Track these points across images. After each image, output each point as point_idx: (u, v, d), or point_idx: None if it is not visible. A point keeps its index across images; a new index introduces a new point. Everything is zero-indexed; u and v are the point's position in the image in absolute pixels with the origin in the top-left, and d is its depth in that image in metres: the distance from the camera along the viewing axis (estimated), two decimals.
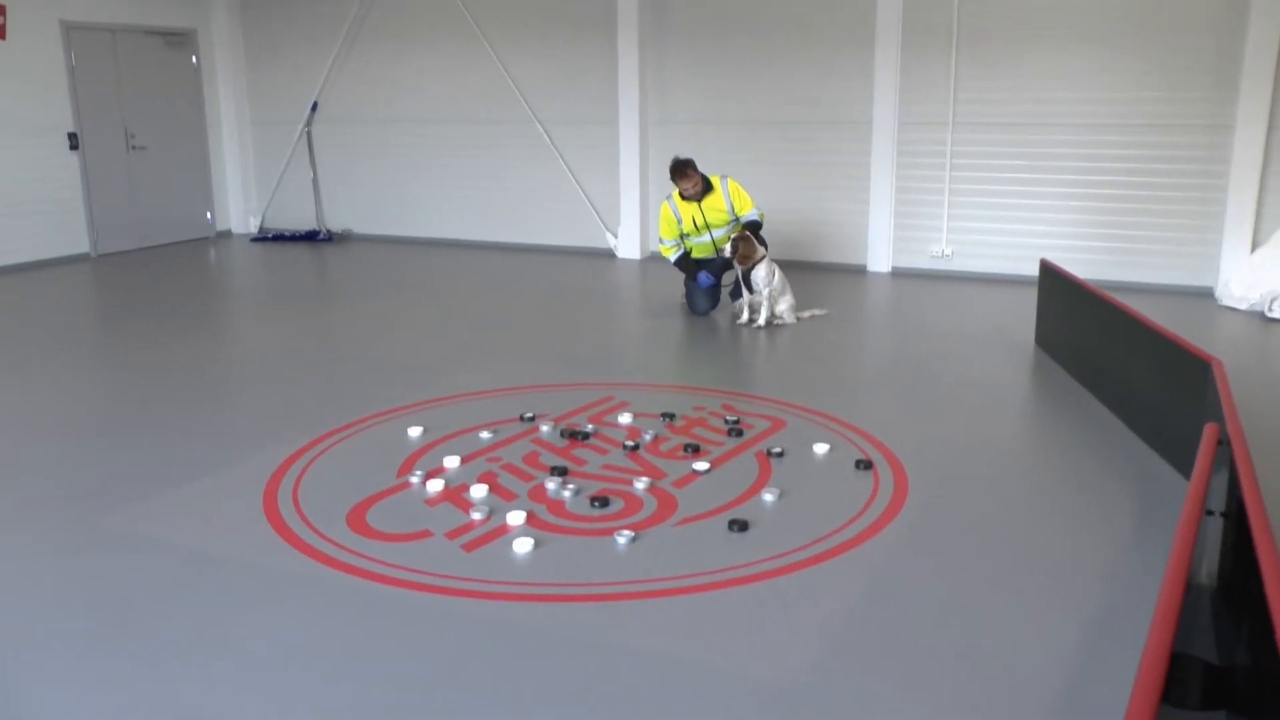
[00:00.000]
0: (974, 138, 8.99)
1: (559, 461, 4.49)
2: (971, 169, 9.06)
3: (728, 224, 7.45)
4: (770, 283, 7.14)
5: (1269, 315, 7.40)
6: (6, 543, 3.77)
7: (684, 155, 7.48)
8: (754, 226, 7.39)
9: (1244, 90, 7.87)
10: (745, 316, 7.22)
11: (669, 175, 7.42)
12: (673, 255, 7.62)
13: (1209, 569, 3.31)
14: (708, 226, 7.47)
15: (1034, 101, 8.71)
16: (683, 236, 7.55)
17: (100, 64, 10.54)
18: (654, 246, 10.42)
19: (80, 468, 4.55)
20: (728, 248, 7.04)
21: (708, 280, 7.48)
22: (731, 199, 7.42)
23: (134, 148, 10.97)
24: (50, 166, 10.10)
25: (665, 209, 7.54)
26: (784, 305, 7.26)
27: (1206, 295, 8.21)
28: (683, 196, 7.41)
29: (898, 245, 9.47)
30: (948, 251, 9.28)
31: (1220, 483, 3.25)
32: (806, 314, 7.45)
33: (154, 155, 11.23)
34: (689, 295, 7.68)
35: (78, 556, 3.65)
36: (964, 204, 9.16)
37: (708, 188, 7.39)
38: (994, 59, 8.77)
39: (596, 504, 4.01)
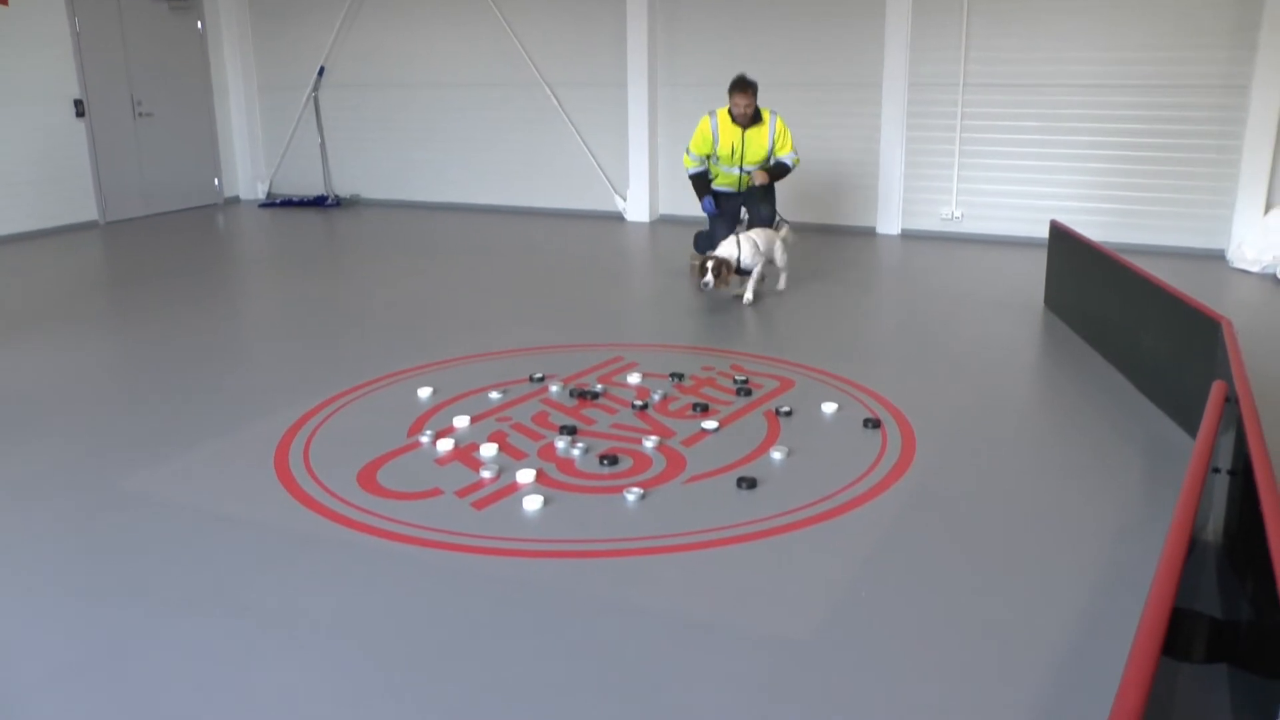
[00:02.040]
0: (985, 98, 8.92)
1: (568, 421, 4.51)
2: (982, 130, 9.00)
3: (762, 161, 7.32)
4: (756, 258, 6.81)
5: None
6: (26, 505, 3.81)
7: (751, 76, 7.24)
8: (781, 169, 7.31)
9: (1261, 49, 7.78)
10: (748, 294, 6.84)
11: (729, 89, 7.19)
12: (692, 169, 7.48)
13: (1215, 526, 3.33)
14: (743, 159, 7.29)
15: (1046, 61, 8.63)
16: (710, 159, 7.41)
17: (105, 30, 10.49)
18: (663, 209, 10.41)
19: (95, 432, 4.58)
20: (709, 277, 6.46)
21: (711, 207, 7.46)
22: (776, 137, 7.26)
23: (141, 114, 10.95)
24: (57, 134, 10.08)
25: (704, 123, 7.33)
26: (779, 258, 7.09)
27: (1218, 258, 8.17)
28: (732, 116, 7.21)
29: (908, 207, 9.43)
30: (958, 214, 9.24)
31: (1228, 441, 3.26)
32: (783, 233, 7.25)
33: (161, 122, 11.21)
34: (699, 238, 7.71)
35: (94, 518, 3.69)
36: (974, 165, 9.11)
37: (758, 118, 7.22)
38: (1006, 18, 8.68)
39: (606, 462, 4.03)
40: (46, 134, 9.98)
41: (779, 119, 7.30)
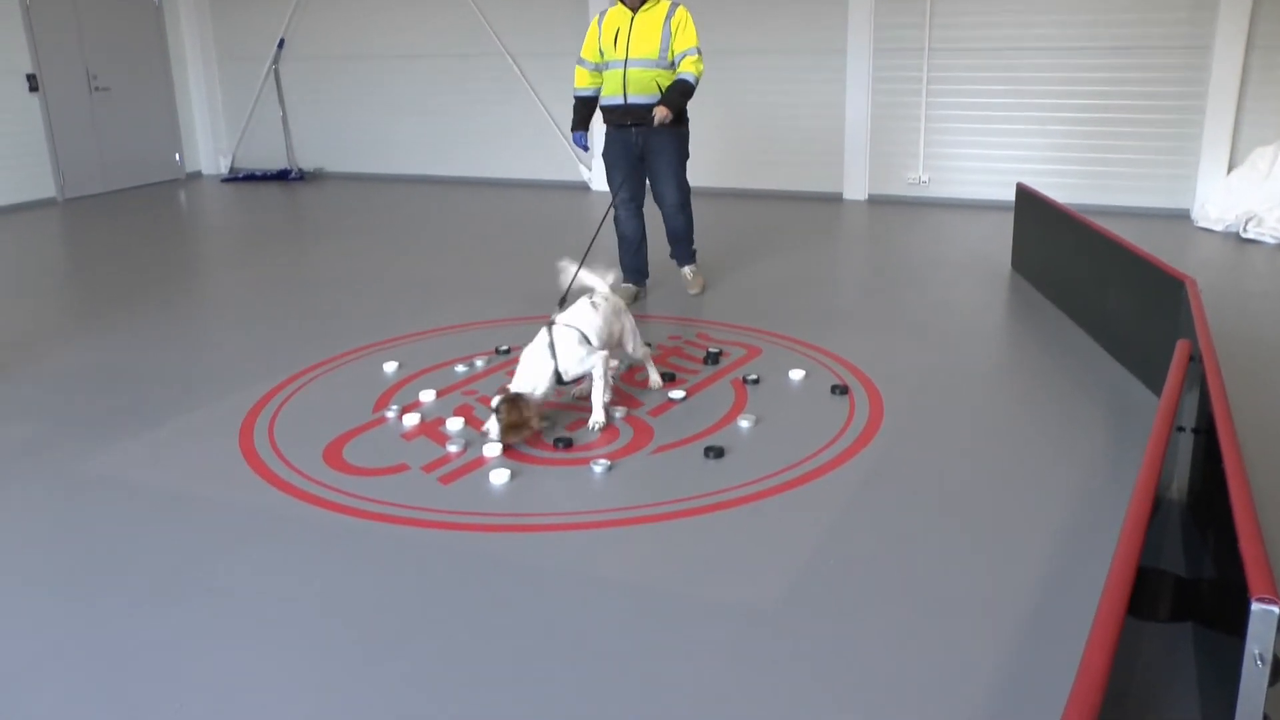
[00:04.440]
0: (950, 63, 8.90)
1: None
2: (948, 94, 8.99)
3: (654, 59, 5.77)
4: (587, 362, 4.16)
5: (1244, 236, 7.41)
6: None
7: None
8: (684, 90, 5.77)
9: (1222, 10, 7.80)
10: (596, 419, 4.15)
11: None
12: (580, 87, 6.09)
13: (1180, 484, 3.35)
14: (629, 50, 5.79)
15: (1010, 25, 8.61)
16: (599, 68, 5.98)
17: (57, 3, 10.27)
18: None
19: (57, 413, 4.51)
20: (491, 424, 3.88)
21: (582, 141, 6.08)
22: (673, 29, 5.74)
23: (97, 89, 10.75)
24: (10, 109, 9.89)
25: (593, 23, 5.98)
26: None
27: (1183, 217, 8.21)
28: (622, 2, 5.84)
29: (874, 173, 9.42)
30: (925, 178, 9.24)
31: (1192, 400, 3.27)
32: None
33: (118, 96, 11.01)
34: (616, 221, 6.25)
35: (58, 501, 3.63)
36: (941, 130, 9.10)
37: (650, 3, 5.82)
38: None
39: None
40: None
41: (681, 7, 5.82)
